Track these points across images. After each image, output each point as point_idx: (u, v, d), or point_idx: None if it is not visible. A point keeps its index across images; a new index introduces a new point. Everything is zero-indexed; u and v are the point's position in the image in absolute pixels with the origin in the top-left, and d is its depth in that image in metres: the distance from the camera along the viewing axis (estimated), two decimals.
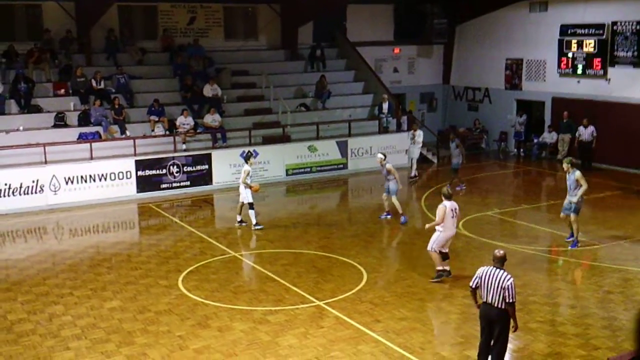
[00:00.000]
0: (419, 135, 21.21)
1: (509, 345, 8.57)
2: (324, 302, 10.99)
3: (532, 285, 11.69)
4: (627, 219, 15.96)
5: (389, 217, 16.03)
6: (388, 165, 15.58)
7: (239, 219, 15.70)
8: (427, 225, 12.17)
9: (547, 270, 12.82)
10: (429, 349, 9.38)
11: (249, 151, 17.24)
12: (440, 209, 11.62)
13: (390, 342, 9.52)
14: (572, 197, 13.45)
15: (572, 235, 13.81)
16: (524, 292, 11.24)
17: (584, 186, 13.34)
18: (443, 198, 11.73)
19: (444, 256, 11.90)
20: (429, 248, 11.82)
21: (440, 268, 11.87)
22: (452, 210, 11.63)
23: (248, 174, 15.32)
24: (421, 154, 23.44)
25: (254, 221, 15.32)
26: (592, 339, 9.57)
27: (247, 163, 15.66)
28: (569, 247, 13.56)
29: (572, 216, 13.52)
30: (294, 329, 9.96)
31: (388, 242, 14.86)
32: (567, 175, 13.56)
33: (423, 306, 10.95)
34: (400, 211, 15.73)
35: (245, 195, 15.35)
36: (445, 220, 11.60)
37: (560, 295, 11.27)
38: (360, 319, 10.28)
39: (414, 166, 21.17)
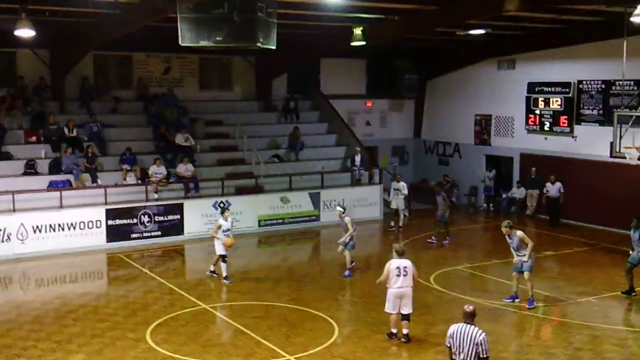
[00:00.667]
0: (404, 186, 21.19)
1: None
2: (295, 356, 10.86)
3: (502, 341, 11.71)
4: (595, 275, 16.16)
5: (350, 274, 15.80)
6: (347, 219, 15.68)
7: (211, 268, 15.52)
8: (377, 281, 11.84)
9: (517, 325, 12.86)
10: None
11: (222, 202, 17.12)
12: (386, 267, 11.41)
13: None
14: (522, 257, 13.43)
15: (512, 298, 13.73)
16: (495, 348, 11.21)
17: (530, 244, 13.35)
18: (394, 254, 11.49)
19: (403, 317, 11.46)
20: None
21: (392, 331, 11.56)
22: (398, 268, 11.26)
23: (219, 227, 15.10)
24: (389, 206, 23.62)
25: (224, 274, 15.17)
26: None
27: (222, 216, 15.44)
28: (527, 306, 13.42)
29: (527, 274, 13.43)
30: None
31: (360, 296, 14.79)
32: (509, 239, 13.51)
33: None
34: (349, 265, 15.70)
35: (217, 248, 15.22)
36: (389, 278, 11.30)
37: (531, 352, 11.29)
38: None
39: (401, 216, 21.16)
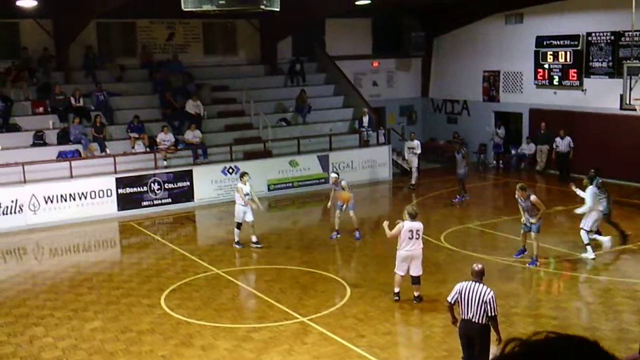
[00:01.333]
0: (418, 145, 21.42)
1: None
2: (308, 318, 10.98)
3: (513, 297, 11.78)
4: (606, 228, 16.09)
5: (339, 236, 15.64)
6: (344, 183, 15.52)
7: (253, 239, 15.17)
8: (388, 234, 11.46)
9: (528, 281, 12.92)
10: None
11: (230, 167, 16.84)
12: (397, 226, 11.26)
13: (374, 357, 9.53)
14: (532, 219, 13.30)
15: (521, 252, 13.67)
16: (506, 304, 11.32)
17: (542, 209, 13.25)
18: (407, 216, 11.26)
19: (413, 279, 11.38)
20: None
21: (395, 290, 11.50)
22: (410, 231, 11.09)
23: (241, 191, 14.78)
24: (401, 166, 23.64)
25: (236, 238, 15.24)
26: None
27: (241, 180, 15.18)
28: (528, 265, 13.35)
29: (534, 235, 13.32)
30: (278, 346, 9.94)
31: (371, 257, 14.88)
32: (522, 201, 13.27)
33: (407, 320, 10.98)
34: (357, 226, 15.59)
35: (237, 214, 14.96)
36: (401, 240, 11.20)
37: (542, 307, 11.36)
38: (344, 335, 10.28)
39: (415, 174, 21.42)
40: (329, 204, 15.78)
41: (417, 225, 11.25)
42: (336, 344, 9.98)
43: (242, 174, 15.53)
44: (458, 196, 19.35)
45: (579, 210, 14.01)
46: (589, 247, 13.68)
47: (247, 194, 14.90)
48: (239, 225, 15.12)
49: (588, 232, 13.70)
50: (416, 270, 11.35)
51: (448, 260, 13.99)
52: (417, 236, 11.21)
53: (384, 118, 26.21)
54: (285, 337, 10.27)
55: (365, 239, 15.80)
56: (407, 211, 11.36)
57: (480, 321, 7.98)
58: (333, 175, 16.06)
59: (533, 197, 13.20)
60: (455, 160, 19.54)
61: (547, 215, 17.50)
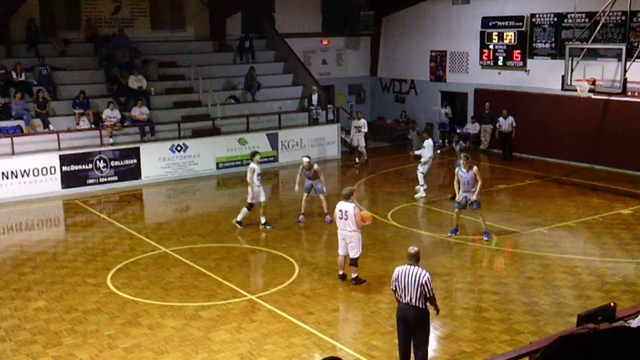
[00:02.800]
0: (364, 124, 21.81)
1: (435, 333, 8.87)
2: (256, 295, 11.07)
3: (456, 273, 12.10)
4: (546, 206, 16.66)
5: (304, 219, 15.52)
6: (316, 167, 15.35)
7: (263, 220, 14.99)
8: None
9: (471, 257, 13.27)
10: (361, 338, 9.60)
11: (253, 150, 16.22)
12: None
13: (322, 334, 9.69)
14: (471, 195, 13.61)
15: (454, 231, 14.01)
16: (449, 280, 11.63)
17: (480, 181, 13.69)
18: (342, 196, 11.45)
19: (350, 261, 11.44)
20: None
21: (339, 272, 11.66)
22: (340, 211, 11.22)
23: (254, 172, 14.63)
24: (350, 145, 23.79)
25: (239, 218, 14.93)
26: (515, 324, 10.01)
27: (252, 160, 14.91)
28: (484, 238, 13.83)
29: (477, 210, 13.89)
30: (226, 324, 10.00)
31: (319, 235, 15.02)
32: (463, 172, 13.65)
33: (353, 297, 11.17)
34: (326, 211, 15.47)
35: (251, 194, 14.82)
36: (336, 220, 11.50)
37: (484, 282, 11.71)
38: (292, 312, 10.41)
39: (364, 152, 21.73)
40: (297, 187, 15.47)
41: (345, 206, 11.22)
42: (284, 321, 10.10)
43: (254, 154, 15.16)
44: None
45: (422, 159, 17.25)
46: (421, 188, 17.33)
47: (260, 174, 14.74)
48: (250, 206, 14.85)
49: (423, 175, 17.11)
50: (351, 253, 11.34)
51: (395, 238, 14.24)
52: (345, 217, 11.19)
53: (333, 96, 26.30)
54: (234, 315, 10.33)
55: (314, 217, 15.91)
56: (342, 192, 11.54)
57: (418, 304, 7.94)
58: (305, 159, 15.35)
59: (475, 168, 13.67)
60: (409, 139, 19.91)
61: (489, 193, 18.01)
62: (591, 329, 1.51)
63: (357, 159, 21.71)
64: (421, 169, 17.36)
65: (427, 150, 17.32)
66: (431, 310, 8.21)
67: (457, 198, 13.91)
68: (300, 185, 15.42)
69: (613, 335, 1.40)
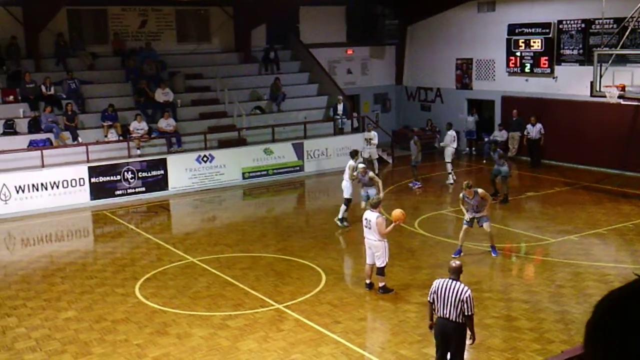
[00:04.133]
0: (375, 136, 21.39)
1: (465, 342, 8.74)
2: (284, 305, 11.03)
3: (486, 282, 11.95)
4: (576, 213, 16.41)
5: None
6: (371, 174, 15.50)
7: (339, 216, 15.62)
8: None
9: (501, 266, 13.11)
10: (389, 348, 9.51)
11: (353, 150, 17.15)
12: None
13: (350, 343, 9.62)
14: (480, 212, 13.07)
15: (458, 252, 13.16)
16: (479, 289, 11.48)
17: (490, 200, 13.38)
18: (368, 205, 11.66)
19: (377, 270, 11.32)
20: None
21: (366, 281, 11.62)
22: (365, 219, 11.28)
23: (352, 169, 15.59)
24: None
25: (340, 215, 15.49)
26: (546, 333, 9.83)
27: (352, 159, 15.96)
28: (493, 254, 13.22)
29: (487, 227, 13.15)
30: (253, 333, 9.98)
31: (346, 244, 14.96)
32: (468, 199, 13.01)
33: (381, 306, 11.08)
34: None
35: (345, 190, 15.61)
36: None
37: (514, 291, 11.54)
38: (319, 321, 10.35)
39: (376, 165, 21.20)
40: (363, 204, 15.21)
41: (370, 215, 11.24)
42: (312, 330, 10.05)
43: (355, 152, 16.45)
44: (415, 181, 19.75)
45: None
46: (450, 175, 19.11)
47: (355, 172, 15.63)
48: (347, 202, 15.43)
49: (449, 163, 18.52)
50: (377, 261, 11.27)
51: (422, 246, 14.12)
52: (369, 226, 11.17)
53: (358, 106, 26.28)
54: (261, 324, 10.30)
55: (340, 226, 15.86)
56: (369, 202, 11.66)
57: (456, 320, 7.69)
58: (361, 165, 15.61)
59: (481, 191, 12.93)
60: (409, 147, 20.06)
61: (518, 201, 17.81)
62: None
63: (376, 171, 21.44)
64: (447, 159, 19.59)
65: (447, 138, 19.53)
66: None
67: (465, 217, 13.19)
68: (350, 187, 15.77)
69: None
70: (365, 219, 11.29)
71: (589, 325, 1.29)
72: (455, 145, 20.33)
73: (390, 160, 23.98)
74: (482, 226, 13.10)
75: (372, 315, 10.81)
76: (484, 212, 13.03)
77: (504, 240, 14.43)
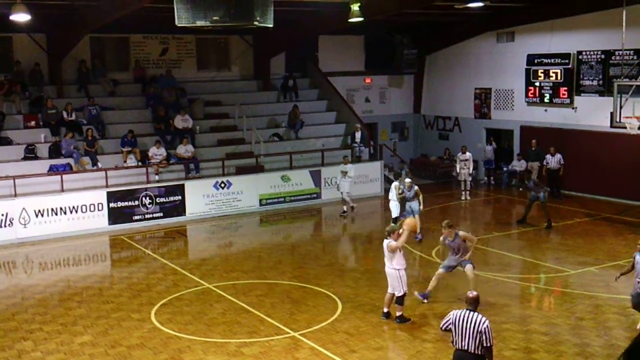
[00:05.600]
0: (351, 169, 20.11)
1: None
2: (299, 332, 10.94)
3: (504, 313, 11.78)
4: (596, 245, 16.21)
5: (419, 238, 16.46)
6: (416, 188, 16.58)
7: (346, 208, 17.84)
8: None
9: (519, 297, 12.93)
10: None
11: (397, 172, 18.75)
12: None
13: None
14: (463, 255, 12.12)
15: (424, 296, 12.33)
16: (497, 320, 11.31)
17: (474, 240, 12.56)
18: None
19: (395, 299, 11.28)
20: None
21: (384, 310, 11.57)
22: (384, 246, 11.25)
23: (398, 189, 16.80)
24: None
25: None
26: None
27: (396, 180, 17.21)
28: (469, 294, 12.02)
29: (470, 271, 12.09)
30: None
31: (362, 272, 14.85)
32: (448, 240, 12.15)
33: (398, 335, 10.95)
34: (418, 230, 15.97)
35: (394, 210, 16.94)
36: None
37: (533, 322, 11.36)
38: (335, 350, 10.24)
39: (348, 200, 19.91)
40: (394, 208, 17.09)
41: (385, 242, 11.21)
42: (327, 359, 9.93)
43: (398, 174, 18.10)
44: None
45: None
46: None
47: (402, 192, 16.75)
48: (395, 221, 16.04)
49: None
50: (395, 290, 11.19)
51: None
52: (385, 254, 11.19)
53: (376, 134, 26.32)
54: (276, 352, 10.21)
55: (357, 254, 15.79)
56: (386, 229, 11.51)
57: (475, 351, 7.55)
58: (407, 180, 16.84)
59: (462, 233, 12.23)
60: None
61: (538, 232, 17.62)
62: None
63: (344, 208, 19.99)
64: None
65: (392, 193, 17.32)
66: None
67: (445, 262, 12.41)
68: (398, 206, 16.92)
69: None
70: (384, 245, 11.25)
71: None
72: (352, 174, 20.06)
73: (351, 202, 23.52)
74: (465, 269, 12.14)
75: (389, 345, 10.67)
76: (468, 254, 12.14)
77: (523, 271, 14.25)
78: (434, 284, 12.30)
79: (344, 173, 20.06)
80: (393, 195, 16.91)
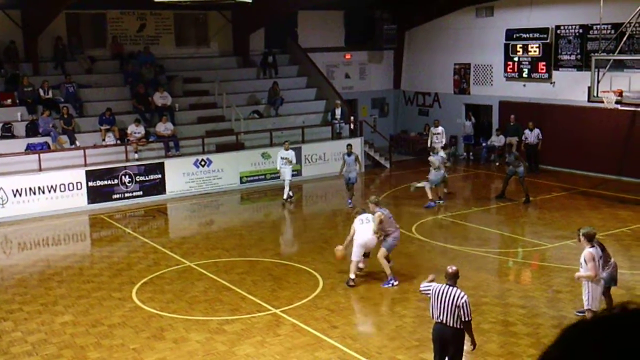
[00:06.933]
0: (292, 155, 18.87)
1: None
2: (281, 309, 11.02)
3: (483, 287, 11.94)
4: (574, 219, 16.42)
5: (440, 202, 17.85)
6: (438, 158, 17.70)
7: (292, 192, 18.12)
8: None
9: (498, 271, 13.11)
10: (386, 353, 9.50)
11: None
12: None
13: (347, 348, 9.61)
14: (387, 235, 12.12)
15: (348, 282, 12.09)
16: (476, 294, 11.47)
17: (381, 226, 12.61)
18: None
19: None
20: None
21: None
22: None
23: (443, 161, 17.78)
24: (374, 158, 23.76)
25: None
26: (543, 338, 9.83)
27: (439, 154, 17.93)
28: (382, 285, 11.94)
29: (383, 251, 12.04)
30: (250, 338, 9.96)
31: (343, 248, 14.92)
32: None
33: (378, 311, 11.08)
34: (430, 196, 17.53)
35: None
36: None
37: (511, 296, 11.54)
38: (317, 326, 10.34)
39: (287, 189, 18.63)
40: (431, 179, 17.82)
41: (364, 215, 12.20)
42: (309, 335, 10.04)
43: (445, 146, 20.65)
44: (349, 200, 18.21)
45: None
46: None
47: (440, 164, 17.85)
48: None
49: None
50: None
51: (419, 251, 14.13)
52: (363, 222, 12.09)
53: (356, 110, 26.30)
54: (258, 329, 10.29)
55: (337, 230, 15.86)
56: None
57: (454, 325, 7.71)
58: (440, 155, 18.01)
59: (378, 213, 11.92)
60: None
61: (516, 206, 17.80)
62: (602, 314, 1.16)
63: (284, 195, 18.70)
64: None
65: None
66: (467, 339, 7.90)
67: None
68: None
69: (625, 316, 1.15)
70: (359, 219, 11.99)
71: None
72: (294, 161, 18.94)
73: (387, 165, 23.99)
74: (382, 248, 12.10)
75: (369, 320, 10.80)
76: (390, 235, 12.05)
77: (501, 245, 14.43)
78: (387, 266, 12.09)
79: (287, 160, 18.55)
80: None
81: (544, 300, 11.30)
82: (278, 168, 18.88)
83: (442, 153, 18.28)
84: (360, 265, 12.21)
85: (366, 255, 12.27)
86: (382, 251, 11.96)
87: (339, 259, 12.34)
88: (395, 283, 11.99)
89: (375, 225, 11.82)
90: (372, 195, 13.39)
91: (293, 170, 19.25)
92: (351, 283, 11.94)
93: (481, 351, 9.45)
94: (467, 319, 7.70)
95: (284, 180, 18.68)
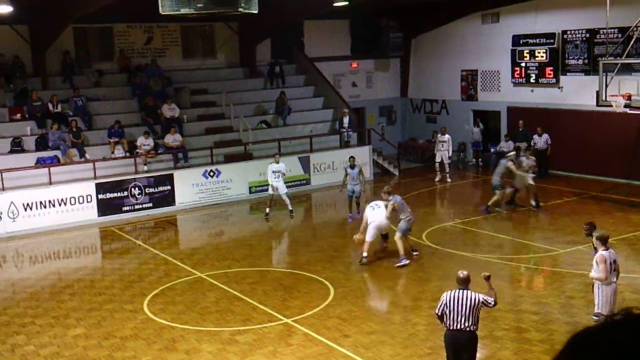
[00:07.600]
0: (284, 168, 18.15)
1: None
2: (292, 319, 10.99)
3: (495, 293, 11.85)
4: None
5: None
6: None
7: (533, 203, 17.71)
8: None
9: (510, 277, 13.04)
10: None
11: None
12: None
13: (359, 357, 9.57)
14: (402, 221, 13.65)
15: (362, 260, 13.56)
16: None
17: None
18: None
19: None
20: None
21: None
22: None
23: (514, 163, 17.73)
24: (382, 166, 23.73)
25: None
26: (556, 344, 9.75)
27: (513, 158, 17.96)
28: (396, 264, 13.31)
29: (399, 235, 13.47)
30: (262, 348, 9.94)
31: (353, 257, 14.90)
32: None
33: (390, 319, 11.03)
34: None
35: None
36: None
37: (524, 302, 11.47)
38: (328, 335, 10.31)
39: (287, 200, 18.02)
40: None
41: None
42: (321, 345, 10.00)
43: (517, 148, 19.22)
44: (350, 214, 17.53)
45: None
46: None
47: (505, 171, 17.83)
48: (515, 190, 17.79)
49: None
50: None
51: (430, 258, 14.07)
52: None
53: (363, 118, 26.31)
54: (270, 339, 10.27)
55: (347, 239, 15.81)
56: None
57: (470, 328, 7.72)
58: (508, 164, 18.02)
59: (399, 198, 13.80)
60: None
61: (526, 212, 17.73)
62: (607, 320, 1.19)
63: (267, 209, 18.08)
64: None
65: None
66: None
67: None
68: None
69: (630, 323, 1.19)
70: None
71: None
72: (285, 174, 18.14)
73: (396, 173, 23.95)
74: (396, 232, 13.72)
75: (381, 328, 10.75)
76: (405, 220, 13.64)
77: (512, 252, 14.35)
78: (401, 247, 13.44)
79: (280, 173, 17.88)
80: (497, 174, 17.77)
81: (557, 306, 11.22)
82: (270, 182, 17.96)
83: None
84: (384, 244, 14.10)
85: (384, 237, 14.01)
86: (398, 235, 13.45)
87: (359, 243, 13.65)
88: (407, 262, 13.35)
89: (389, 212, 13.40)
90: (385, 185, 14.79)
91: (302, 180, 19.02)
92: (364, 260, 13.37)
93: (495, 358, 9.40)
94: (493, 305, 8.00)
95: (274, 194, 17.81)
